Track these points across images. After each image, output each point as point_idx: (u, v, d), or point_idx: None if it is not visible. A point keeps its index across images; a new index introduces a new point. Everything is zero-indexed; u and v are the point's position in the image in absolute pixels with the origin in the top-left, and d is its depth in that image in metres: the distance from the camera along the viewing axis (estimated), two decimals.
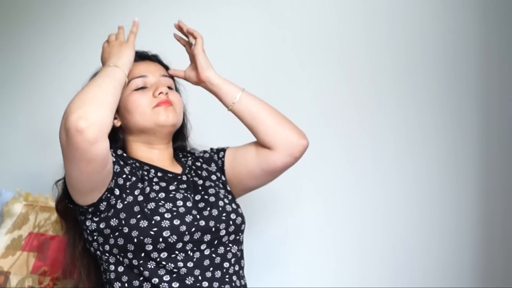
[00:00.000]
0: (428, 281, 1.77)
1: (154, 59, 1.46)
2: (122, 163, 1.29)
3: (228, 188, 1.42)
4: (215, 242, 1.27)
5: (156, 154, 1.36)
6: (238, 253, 1.33)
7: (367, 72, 1.81)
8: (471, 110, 1.76)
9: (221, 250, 1.28)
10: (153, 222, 1.21)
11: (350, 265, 1.82)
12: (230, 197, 1.37)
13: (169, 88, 1.39)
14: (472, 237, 1.76)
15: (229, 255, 1.30)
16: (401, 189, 1.80)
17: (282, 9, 1.86)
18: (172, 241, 1.21)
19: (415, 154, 1.80)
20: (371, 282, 1.80)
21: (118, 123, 1.37)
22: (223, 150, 1.46)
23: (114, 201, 1.23)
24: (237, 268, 1.31)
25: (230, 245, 1.30)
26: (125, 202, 1.23)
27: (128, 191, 1.24)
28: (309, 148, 1.84)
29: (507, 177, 1.72)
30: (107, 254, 1.26)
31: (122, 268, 1.25)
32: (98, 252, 1.27)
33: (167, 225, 1.21)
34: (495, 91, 1.74)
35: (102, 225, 1.23)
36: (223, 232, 1.28)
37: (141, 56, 1.42)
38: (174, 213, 1.23)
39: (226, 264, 1.28)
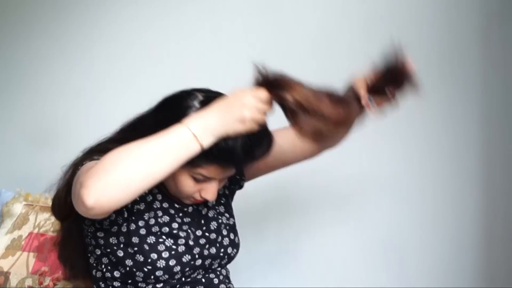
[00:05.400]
0: (429, 281, 1.77)
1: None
2: None
3: (230, 209, 1.36)
4: (206, 271, 1.27)
5: None
6: (228, 271, 1.33)
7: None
8: (472, 109, 1.76)
9: (211, 275, 1.28)
10: (149, 260, 1.18)
11: (350, 265, 1.82)
12: (231, 223, 1.34)
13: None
14: (473, 237, 1.76)
15: (221, 277, 1.30)
16: (401, 188, 1.80)
17: (282, 8, 1.86)
18: (162, 279, 1.19)
19: (416, 153, 1.80)
20: (371, 282, 1.80)
21: None
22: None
23: (120, 221, 1.20)
24: (227, 281, 1.32)
25: (220, 269, 1.30)
26: (131, 228, 1.19)
27: (133, 217, 1.20)
28: None
29: (509, 176, 1.72)
30: (96, 262, 1.25)
31: (103, 285, 1.24)
32: (92, 257, 1.26)
33: (162, 266, 1.18)
34: (497, 89, 1.74)
35: (100, 234, 1.22)
36: (215, 265, 1.28)
37: (237, 160, 1.14)
38: (173, 252, 1.20)
39: (215, 281, 1.28)
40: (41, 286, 1.60)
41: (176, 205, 1.28)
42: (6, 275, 1.63)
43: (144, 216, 1.21)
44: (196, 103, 1.12)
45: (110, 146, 1.13)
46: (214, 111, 1.05)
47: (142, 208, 1.22)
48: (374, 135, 1.82)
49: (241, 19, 1.88)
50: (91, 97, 1.94)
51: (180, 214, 1.27)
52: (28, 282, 1.61)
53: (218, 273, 1.29)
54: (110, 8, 1.94)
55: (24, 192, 1.74)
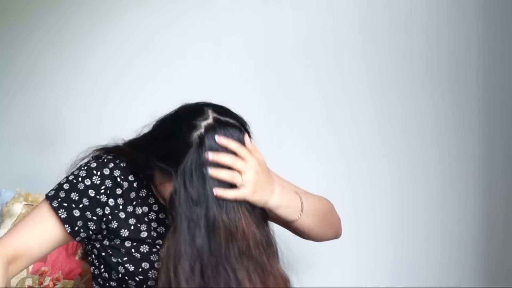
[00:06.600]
0: (429, 281, 1.76)
1: None
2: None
3: None
4: None
5: None
6: None
7: (369, 71, 1.81)
8: (473, 109, 1.76)
9: None
10: (140, 269, 1.16)
11: (350, 265, 1.82)
12: None
13: None
14: (473, 237, 1.76)
15: None
16: (402, 188, 1.80)
17: (283, 8, 1.85)
18: (152, 285, 1.17)
19: (417, 153, 1.79)
20: (372, 282, 1.79)
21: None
22: None
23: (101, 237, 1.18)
24: None
25: None
26: (116, 242, 1.16)
27: (113, 234, 1.17)
28: (311, 148, 1.85)
29: (509, 176, 1.72)
30: (95, 261, 1.23)
31: (102, 282, 1.22)
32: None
33: (154, 276, 1.15)
34: (497, 90, 1.74)
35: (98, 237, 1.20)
36: None
37: None
38: None
39: None
40: (41, 286, 1.60)
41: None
42: None
43: (129, 226, 1.17)
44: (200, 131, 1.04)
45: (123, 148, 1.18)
46: None
47: (123, 216, 1.17)
48: (374, 135, 1.82)
49: (241, 19, 1.87)
50: (91, 97, 1.94)
51: None
52: (28, 282, 1.60)
53: None
54: (113, 11, 1.93)
55: (24, 192, 1.74)
